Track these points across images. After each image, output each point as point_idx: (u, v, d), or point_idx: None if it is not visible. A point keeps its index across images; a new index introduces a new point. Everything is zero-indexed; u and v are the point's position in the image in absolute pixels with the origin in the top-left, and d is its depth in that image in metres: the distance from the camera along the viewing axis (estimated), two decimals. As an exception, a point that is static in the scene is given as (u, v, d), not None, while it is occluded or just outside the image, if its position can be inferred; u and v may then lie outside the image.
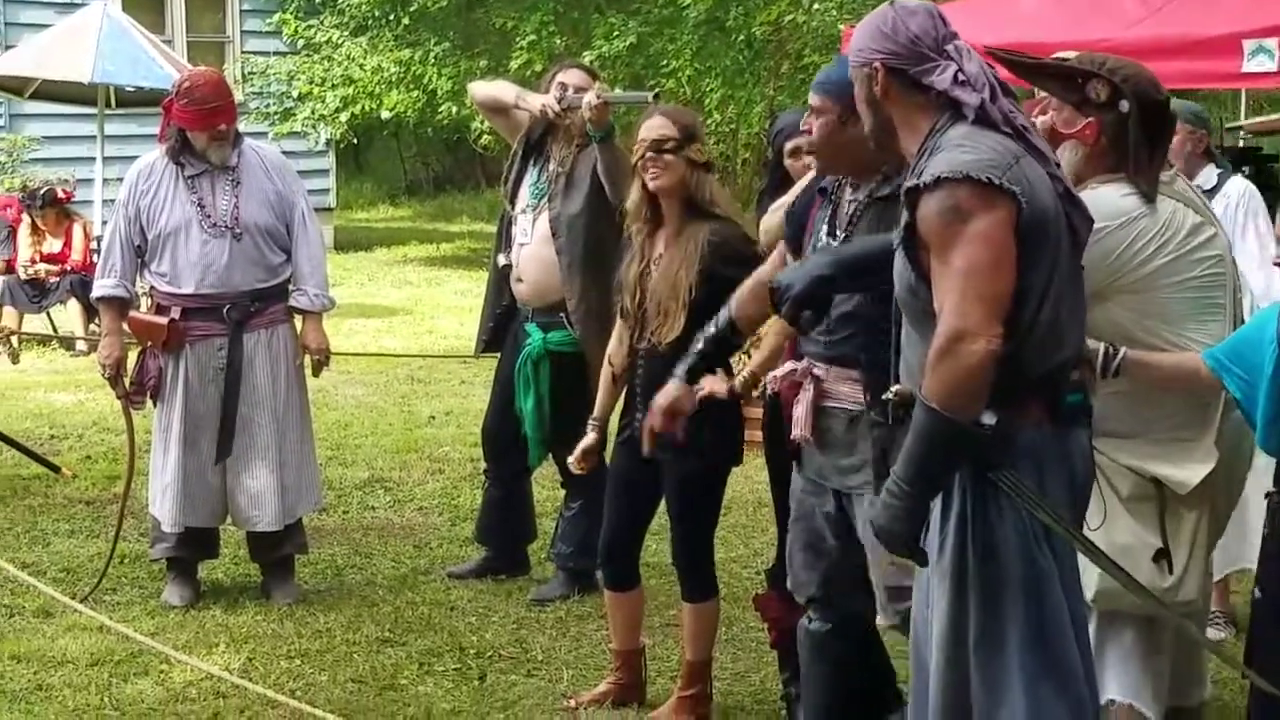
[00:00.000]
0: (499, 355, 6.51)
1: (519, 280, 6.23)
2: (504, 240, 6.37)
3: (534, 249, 6.18)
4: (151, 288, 6.24)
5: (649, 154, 4.92)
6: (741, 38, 16.15)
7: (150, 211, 6.07)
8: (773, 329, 4.68)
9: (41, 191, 12.86)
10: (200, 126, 6.02)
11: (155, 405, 6.20)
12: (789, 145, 5.01)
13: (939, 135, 3.33)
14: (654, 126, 4.95)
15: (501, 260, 6.35)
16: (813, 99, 4.17)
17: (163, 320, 6.08)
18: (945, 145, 3.28)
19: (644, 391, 4.95)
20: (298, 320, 6.32)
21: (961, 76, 3.34)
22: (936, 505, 3.36)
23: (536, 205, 6.19)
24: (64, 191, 12.97)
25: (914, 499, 3.28)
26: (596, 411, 5.27)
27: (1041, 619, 3.30)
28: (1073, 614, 3.37)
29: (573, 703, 5.21)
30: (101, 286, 6.17)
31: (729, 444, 4.96)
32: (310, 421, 6.42)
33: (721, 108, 16.28)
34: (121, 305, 6.19)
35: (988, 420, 3.21)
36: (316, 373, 6.32)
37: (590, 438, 5.23)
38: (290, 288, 6.19)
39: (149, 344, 6.15)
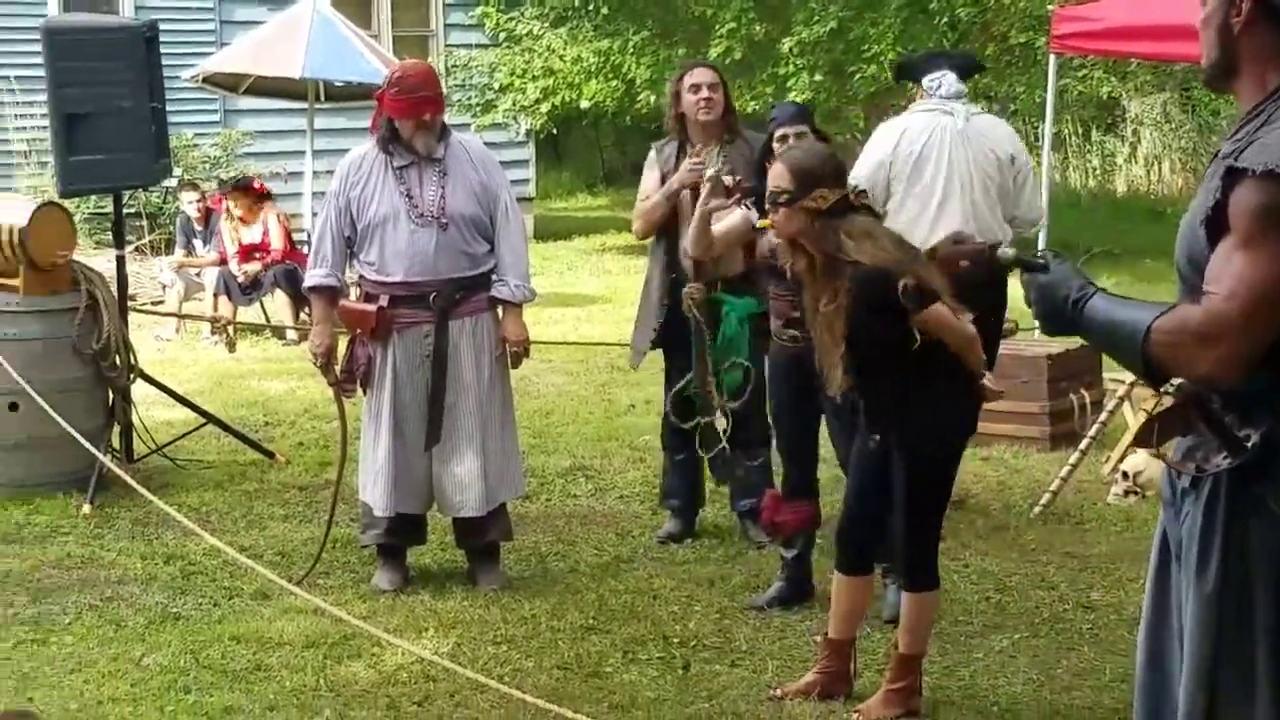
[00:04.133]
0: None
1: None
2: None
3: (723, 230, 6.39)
4: (360, 277, 6.35)
5: (768, 204, 4.88)
6: (945, 20, 15.90)
7: (360, 202, 6.17)
8: None
9: (236, 178, 13.27)
10: (407, 115, 6.10)
11: (365, 393, 6.32)
12: (779, 132, 5.94)
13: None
14: (772, 176, 4.89)
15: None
16: None
17: (371, 308, 6.18)
18: None
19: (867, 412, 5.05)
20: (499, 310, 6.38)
21: None
22: (1198, 518, 3.07)
23: None
24: (259, 183, 13.27)
25: (1067, 322, 3.07)
26: None
27: None
28: None
29: (778, 693, 5.18)
30: (313, 276, 6.30)
31: (966, 426, 4.91)
32: (513, 409, 6.48)
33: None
34: (332, 294, 6.30)
35: (1253, 438, 2.93)
36: (515, 364, 6.37)
37: None
38: (493, 278, 6.25)
39: (358, 332, 6.26)
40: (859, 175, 6.73)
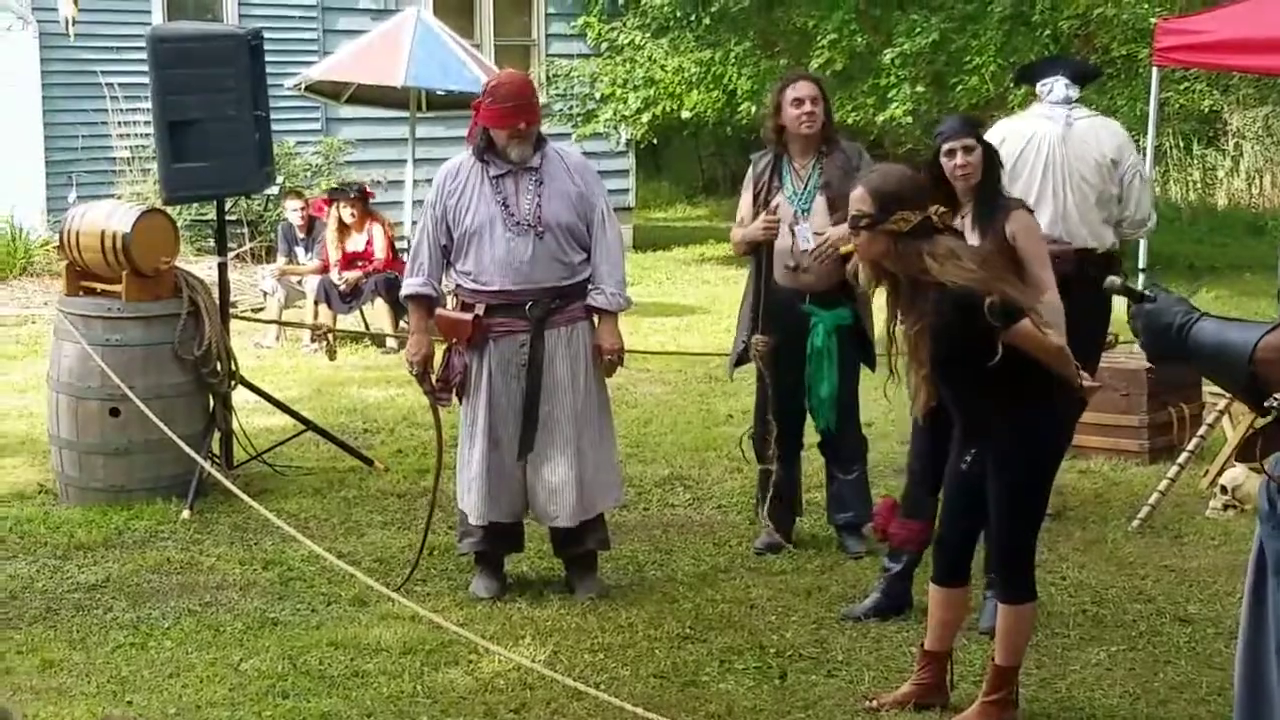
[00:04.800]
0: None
1: (805, 271, 6.63)
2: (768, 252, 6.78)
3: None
4: (457, 285, 6.38)
5: (850, 227, 4.87)
6: (1047, 33, 15.78)
7: (457, 211, 6.21)
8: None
9: (352, 184, 13.36)
10: (501, 124, 6.13)
11: (461, 401, 6.35)
12: (945, 146, 5.82)
13: None
14: (853, 199, 4.86)
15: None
16: None
17: (468, 317, 6.20)
18: None
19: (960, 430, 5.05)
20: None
21: None
22: None
23: (808, 211, 6.64)
24: (369, 189, 13.39)
25: (1173, 347, 3.16)
26: None
27: None
28: None
29: (874, 704, 5.16)
30: (410, 285, 6.33)
31: (1060, 438, 4.88)
32: (610, 418, 6.49)
33: (1025, 103, 15.94)
34: (428, 303, 6.34)
35: None
36: (610, 373, 6.38)
37: None
38: (589, 287, 6.26)
39: (454, 341, 6.29)
40: None
